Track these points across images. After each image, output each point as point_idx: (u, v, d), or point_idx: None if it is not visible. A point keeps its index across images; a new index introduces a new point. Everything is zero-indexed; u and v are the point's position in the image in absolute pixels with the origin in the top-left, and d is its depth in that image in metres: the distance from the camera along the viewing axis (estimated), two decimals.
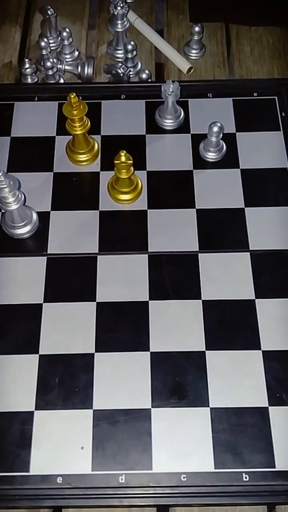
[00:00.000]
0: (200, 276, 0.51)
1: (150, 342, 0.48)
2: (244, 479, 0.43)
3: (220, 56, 0.69)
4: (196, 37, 0.67)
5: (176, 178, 0.57)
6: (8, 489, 0.43)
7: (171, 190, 0.56)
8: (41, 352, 0.48)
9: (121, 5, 0.65)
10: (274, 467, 0.43)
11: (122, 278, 0.51)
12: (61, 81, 0.67)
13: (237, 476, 0.43)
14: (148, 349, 0.48)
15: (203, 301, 0.50)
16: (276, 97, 0.61)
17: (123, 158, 0.51)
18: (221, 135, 0.55)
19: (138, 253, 0.52)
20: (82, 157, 0.57)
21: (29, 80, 0.65)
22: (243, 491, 0.43)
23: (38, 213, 0.54)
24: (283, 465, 0.43)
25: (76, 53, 0.68)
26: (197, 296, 0.50)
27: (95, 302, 0.50)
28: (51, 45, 0.68)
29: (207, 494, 0.43)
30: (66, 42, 0.66)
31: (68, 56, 0.67)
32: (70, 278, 0.51)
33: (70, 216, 0.55)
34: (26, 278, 0.51)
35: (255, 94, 0.61)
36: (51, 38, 0.68)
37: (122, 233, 0.54)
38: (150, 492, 0.43)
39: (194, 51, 0.68)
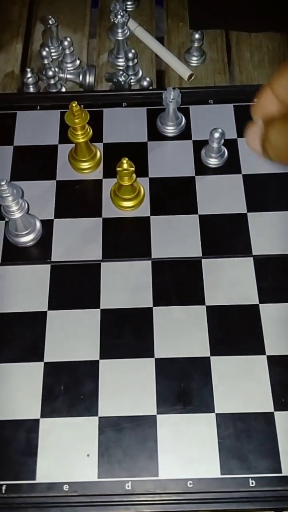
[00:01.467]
0: (204, 282, 0.51)
1: (154, 348, 0.48)
2: (251, 485, 0.43)
3: (220, 63, 0.69)
4: (196, 44, 0.67)
5: (178, 184, 0.57)
6: (14, 497, 0.43)
7: (174, 196, 0.56)
8: (46, 359, 0.48)
9: (121, 13, 0.65)
10: (281, 472, 0.43)
11: (126, 284, 0.51)
12: (63, 89, 0.67)
13: (243, 482, 0.43)
14: (152, 356, 0.48)
15: (207, 306, 0.50)
16: None
17: (125, 166, 0.51)
18: (223, 141, 0.56)
19: (142, 260, 0.53)
20: (85, 165, 0.57)
21: (31, 90, 0.66)
22: (250, 497, 0.42)
23: (42, 221, 0.54)
24: None
25: (78, 62, 0.68)
26: (201, 301, 0.50)
27: (99, 309, 0.50)
28: (52, 54, 0.68)
29: (213, 500, 0.43)
30: (67, 51, 0.67)
31: (69, 65, 0.68)
32: (74, 286, 0.51)
33: (74, 224, 0.55)
34: (30, 286, 0.52)
35: (256, 100, 0.61)
36: (52, 47, 0.69)
37: (125, 239, 0.54)
38: (156, 499, 0.43)
39: (194, 58, 0.69)
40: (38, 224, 0.54)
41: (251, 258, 0.52)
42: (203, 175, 0.57)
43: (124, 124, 0.61)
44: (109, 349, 0.48)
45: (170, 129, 0.60)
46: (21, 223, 0.52)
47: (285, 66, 0.38)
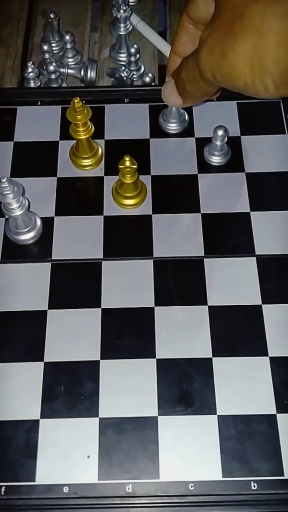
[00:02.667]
0: (206, 282, 0.51)
1: (156, 348, 0.48)
2: (253, 488, 0.42)
3: None
4: None
5: (181, 182, 0.56)
6: (14, 499, 0.42)
7: (176, 194, 0.55)
8: (46, 359, 0.47)
9: (124, 8, 0.65)
10: (283, 475, 0.43)
11: (127, 284, 0.51)
12: (64, 85, 0.66)
13: (245, 484, 0.43)
14: (154, 356, 0.47)
15: (209, 306, 0.49)
16: (280, 100, 0.61)
17: (128, 163, 0.50)
18: (226, 138, 0.55)
19: (143, 259, 0.52)
20: (86, 162, 0.57)
21: (32, 84, 0.65)
22: (252, 500, 0.42)
23: (42, 219, 0.54)
24: None
25: (79, 56, 0.68)
26: (203, 301, 0.50)
27: (100, 309, 0.50)
28: (53, 49, 0.67)
29: (215, 503, 0.42)
30: (68, 46, 0.66)
31: (71, 60, 0.67)
32: (75, 284, 0.51)
33: (74, 222, 0.54)
34: (30, 284, 0.51)
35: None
36: (53, 42, 0.68)
37: (127, 238, 0.53)
38: (157, 501, 0.42)
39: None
40: (38, 221, 0.53)
41: (254, 258, 0.52)
42: (206, 173, 0.57)
43: (126, 121, 0.60)
44: (110, 349, 0.48)
45: (173, 126, 0.59)
46: (22, 221, 0.51)
47: (180, 30, 0.48)
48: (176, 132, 0.59)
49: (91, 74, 0.65)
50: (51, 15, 0.66)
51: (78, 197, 0.56)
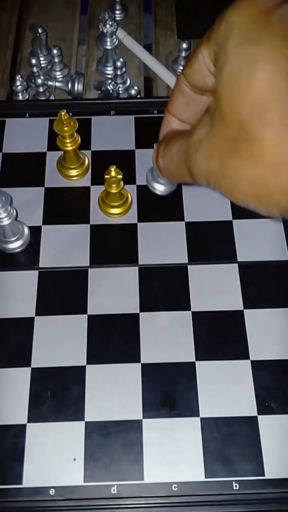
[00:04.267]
0: (190, 288, 0.52)
1: (141, 353, 0.49)
2: (234, 488, 0.43)
3: None
4: (183, 54, 0.68)
5: None
6: (1, 502, 0.43)
7: (160, 203, 0.57)
8: (33, 365, 0.48)
9: (110, 23, 0.66)
10: (264, 475, 0.44)
11: (113, 290, 0.52)
12: (52, 97, 0.68)
13: (227, 485, 0.44)
14: (139, 361, 0.49)
15: (192, 312, 0.51)
16: None
17: (113, 173, 0.52)
18: None
19: (129, 266, 0.53)
20: (73, 172, 0.58)
21: (20, 97, 0.66)
22: (234, 500, 0.43)
23: (30, 228, 0.55)
24: (272, 473, 0.44)
25: (66, 70, 0.69)
26: (187, 307, 0.51)
27: (86, 315, 0.51)
28: (41, 62, 0.69)
29: (198, 503, 0.43)
30: (56, 60, 0.68)
31: (58, 73, 0.69)
32: (62, 291, 0.52)
33: (61, 230, 0.56)
34: (18, 292, 0.52)
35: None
36: (41, 55, 0.70)
37: (113, 246, 0.55)
38: (142, 502, 0.43)
39: (181, 67, 0.70)
40: (26, 230, 0.55)
41: (236, 265, 0.53)
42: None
43: (112, 132, 0.62)
44: (96, 355, 0.49)
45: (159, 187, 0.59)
46: (9, 230, 0.53)
47: (176, 91, 0.41)
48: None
49: (78, 87, 0.67)
50: (39, 30, 0.68)
51: (65, 207, 0.57)
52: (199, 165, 0.35)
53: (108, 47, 0.68)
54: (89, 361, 0.48)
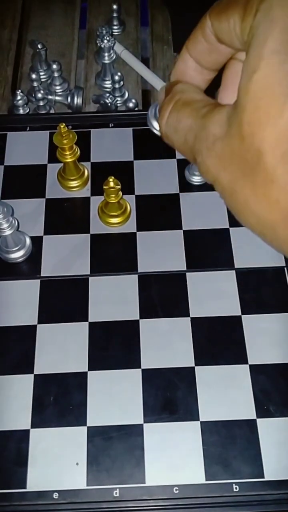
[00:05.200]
0: (188, 295, 0.53)
1: (141, 359, 0.50)
2: (234, 490, 0.44)
3: None
4: None
5: (163, 201, 0.59)
6: (6, 506, 0.44)
7: (159, 212, 0.58)
8: (36, 372, 0.49)
9: (108, 38, 0.68)
10: (263, 477, 0.45)
11: (113, 298, 0.53)
12: (52, 111, 0.70)
13: (227, 487, 0.44)
14: (139, 366, 0.49)
15: (191, 318, 0.52)
16: None
17: (111, 184, 0.53)
18: None
19: (128, 274, 0.54)
20: (73, 184, 0.59)
21: (21, 111, 0.68)
22: (234, 501, 0.44)
23: (31, 238, 0.56)
24: (272, 475, 0.45)
25: (66, 84, 0.71)
26: (186, 313, 0.52)
27: (87, 322, 0.52)
28: (41, 77, 0.71)
29: (199, 505, 0.44)
30: (56, 74, 0.69)
31: (58, 88, 0.70)
32: (63, 300, 0.53)
33: (62, 240, 0.57)
34: (20, 300, 0.53)
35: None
36: (41, 70, 0.71)
37: (113, 255, 0.56)
38: (143, 505, 0.44)
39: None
40: (28, 240, 0.56)
41: (234, 271, 0.54)
42: (187, 192, 0.59)
43: (111, 144, 0.63)
44: (97, 361, 0.50)
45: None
46: (12, 240, 0.54)
47: (199, 33, 0.33)
48: (158, 154, 0.62)
49: (77, 100, 0.69)
50: (39, 46, 0.69)
51: (65, 217, 0.58)
52: (207, 166, 0.31)
53: (106, 62, 0.70)
54: (91, 367, 0.49)
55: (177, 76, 0.35)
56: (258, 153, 0.27)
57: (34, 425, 0.47)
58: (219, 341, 0.51)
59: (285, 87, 0.25)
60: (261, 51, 0.26)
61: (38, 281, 0.54)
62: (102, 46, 0.68)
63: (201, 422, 0.47)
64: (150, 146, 0.60)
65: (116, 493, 0.44)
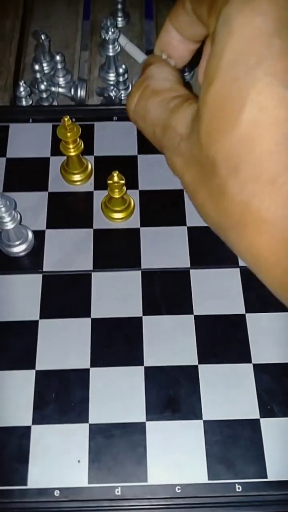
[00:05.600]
0: (192, 292, 0.53)
1: (144, 356, 0.49)
2: (237, 490, 0.44)
3: None
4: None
5: (168, 197, 0.58)
6: (6, 503, 0.43)
7: (163, 208, 0.58)
8: (38, 367, 0.49)
9: (112, 30, 0.67)
10: (266, 478, 0.44)
11: (116, 294, 0.53)
12: (55, 103, 0.69)
13: (230, 487, 0.44)
14: (142, 364, 0.49)
15: (195, 316, 0.51)
16: None
17: (115, 178, 0.52)
18: None
19: (132, 270, 0.54)
20: (76, 177, 0.59)
21: (24, 103, 0.67)
22: (236, 502, 0.44)
23: (34, 232, 0.56)
24: (275, 475, 0.44)
25: (69, 76, 0.70)
26: (189, 311, 0.52)
27: (89, 318, 0.51)
28: (44, 68, 0.70)
29: (201, 505, 0.44)
30: (59, 66, 0.68)
31: (61, 79, 0.69)
32: (65, 295, 0.53)
33: (65, 235, 0.56)
34: (22, 295, 0.53)
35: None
36: (44, 62, 0.70)
37: (116, 250, 0.55)
38: (145, 504, 0.44)
39: (184, 74, 0.70)
40: (30, 234, 0.55)
41: (238, 269, 0.54)
42: None
43: (115, 138, 0.62)
44: (100, 358, 0.49)
45: None
46: (14, 234, 0.53)
47: (180, 6, 0.32)
48: None
49: (81, 93, 0.68)
50: (42, 36, 0.68)
51: (68, 211, 0.58)
52: (174, 163, 0.31)
53: (110, 54, 0.69)
54: (93, 364, 0.49)
55: (161, 47, 0.35)
56: (213, 163, 0.28)
57: (36, 421, 0.47)
58: (222, 340, 0.50)
59: (237, 102, 0.26)
60: (218, 62, 0.27)
61: (40, 275, 0.54)
62: (107, 38, 0.67)
63: (204, 421, 0.47)
64: None
65: (117, 491, 0.44)
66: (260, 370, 0.49)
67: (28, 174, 0.60)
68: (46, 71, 0.70)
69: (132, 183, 0.58)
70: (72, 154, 0.56)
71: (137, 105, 0.34)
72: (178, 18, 0.34)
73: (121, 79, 0.67)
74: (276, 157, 0.25)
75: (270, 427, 0.46)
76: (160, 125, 0.33)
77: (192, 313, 0.51)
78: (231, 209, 0.28)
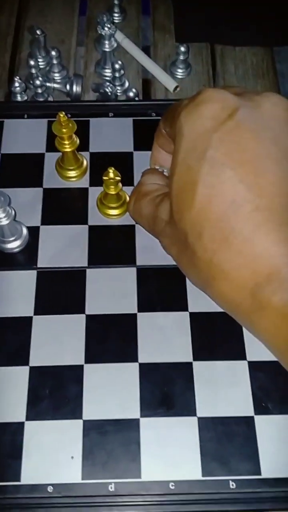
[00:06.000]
0: (187, 289, 0.52)
1: (138, 353, 0.49)
2: (231, 487, 0.44)
3: (205, 75, 0.71)
4: (181, 57, 0.69)
5: None
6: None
7: None
8: (32, 364, 0.49)
9: (108, 26, 0.67)
10: (260, 475, 0.44)
11: (111, 291, 0.52)
12: (50, 99, 0.68)
13: (224, 483, 0.44)
14: (136, 360, 0.49)
15: (190, 313, 0.51)
16: None
17: (111, 175, 0.52)
18: None
19: (127, 267, 0.54)
20: (71, 174, 0.59)
21: (19, 98, 0.67)
22: (230, 498, 0.44)
23: (28, 228, 0.55)
24: (269, 472, 0.44)
25: (65, 71, 0.70)
26: (184, 308, 0.51)
27: (84, 315, 0.51)
28: (40, 64, 0.69)
29: (195, 501, 0.44)
30: (55, 61, 0.68)
31: (57, 75, 0.69)
32: (60, 291, 0.52)
33: (60, 231, 0.56)
34: (16, 291, 0.52)
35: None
36: (40, 57, 0.70)
37: (111, 247, 0.55)
38: (139, 500, 0.44)
39: (180, 71, 0.70)
40: (24, 230, 0.55)
41: None
42: None
43: (111, 134, 0.62)
44: (94, 354, 0.49)
45: None
46: (8, 230, 0.53)
47: (158, 132, 0.49)
48: None
49: (76, 88, 0.67)
50: (38, 32, 0.68)
51: (63, 207, 0.57)
52: (164, 243, 0.45)
53: (107, 50, 0.69)
54: (87, 360, 0.49)
55: (153, 162, 0.52)
56: (184, 234, 0.38)
57: (29, 417, 0.46)
58: (217, 337, 0.50)
59: (189, 189, 0.36)
60: (176, 159, 0.38)
61: (35, 272, 0.53)
62: (103, 33, 0.67)
63: (198, 417, 0.46)
64: (151, 137, 0.59)
65: (111, 487, 0.44)
66: (255, 368, 0.49)
67: (23, 170, 0.60)
68: (41, 67, 0.70)
69: (128, 179, 0.58)
70: (68, 150, 0.56)
71: (134, 206, 0.49)
72: (159, 140, 0.48)
73: (117, 75, 0.67)
74: (226, 221, 0.35)
75: (264, 424, 0.46)
76: (151, 217, 0.45)
77: (187, 310, 0.51)
78: (201, 267, 0.38)
